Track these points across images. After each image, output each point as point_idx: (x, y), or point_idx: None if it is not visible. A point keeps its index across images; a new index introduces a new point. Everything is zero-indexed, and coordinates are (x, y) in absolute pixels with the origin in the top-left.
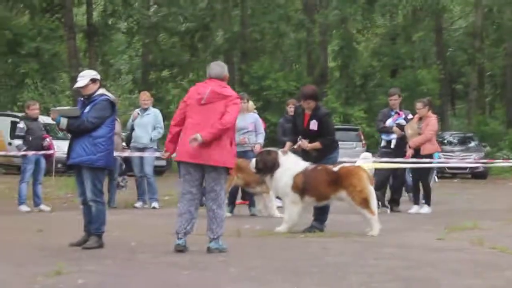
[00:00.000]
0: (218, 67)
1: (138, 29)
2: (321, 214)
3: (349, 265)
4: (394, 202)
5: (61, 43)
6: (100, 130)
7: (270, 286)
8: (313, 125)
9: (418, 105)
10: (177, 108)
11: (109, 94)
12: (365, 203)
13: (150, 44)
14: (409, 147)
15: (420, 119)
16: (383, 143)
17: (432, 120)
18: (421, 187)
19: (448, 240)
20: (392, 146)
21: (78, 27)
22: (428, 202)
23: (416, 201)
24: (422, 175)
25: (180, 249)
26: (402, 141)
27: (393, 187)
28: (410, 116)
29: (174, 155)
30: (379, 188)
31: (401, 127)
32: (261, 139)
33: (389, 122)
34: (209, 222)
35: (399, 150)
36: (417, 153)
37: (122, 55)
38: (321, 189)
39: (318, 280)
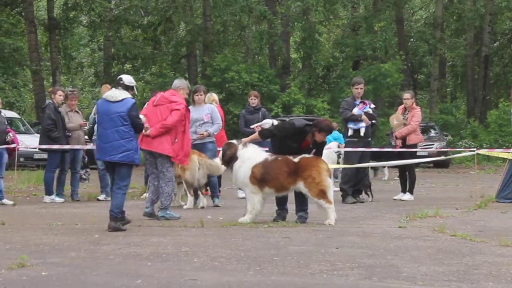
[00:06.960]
0: (176, 81)
1: (100, 22)
2: (304, 204)
3: (312, 253)
4: (358, 192)
5: (22, 37)
6: None
7: (233, 275)
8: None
9: (407, 95)
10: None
11: None
12: (322, 194)
13: (112, 37)
14: (396, 138)
15: (405, 110)
16: (350, 132)
17: (418, 112)
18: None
19: (410, 228)
20: (362, 134)
21: (39, 20)
22: (411, 190)
23: (403, 189)
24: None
25: (148, 216)
26: (368, 130)
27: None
28: (373, 105)
29: None
30: (349, 181)
31: (368, 115)
32: (215, 128)
33: (356, 110)
34: (160, 196)
35: (366, 138)
36: (403, 144)
37: (84, 48)
38: (280, 180)
39: (281, 269)
